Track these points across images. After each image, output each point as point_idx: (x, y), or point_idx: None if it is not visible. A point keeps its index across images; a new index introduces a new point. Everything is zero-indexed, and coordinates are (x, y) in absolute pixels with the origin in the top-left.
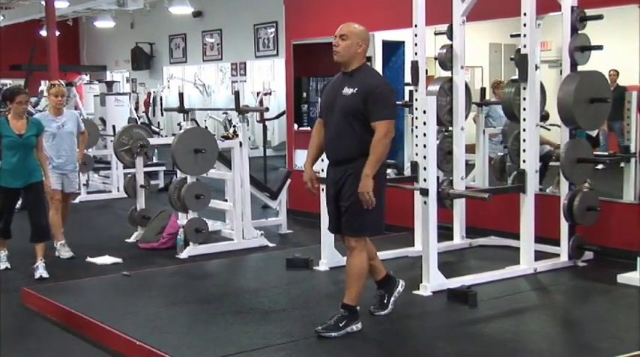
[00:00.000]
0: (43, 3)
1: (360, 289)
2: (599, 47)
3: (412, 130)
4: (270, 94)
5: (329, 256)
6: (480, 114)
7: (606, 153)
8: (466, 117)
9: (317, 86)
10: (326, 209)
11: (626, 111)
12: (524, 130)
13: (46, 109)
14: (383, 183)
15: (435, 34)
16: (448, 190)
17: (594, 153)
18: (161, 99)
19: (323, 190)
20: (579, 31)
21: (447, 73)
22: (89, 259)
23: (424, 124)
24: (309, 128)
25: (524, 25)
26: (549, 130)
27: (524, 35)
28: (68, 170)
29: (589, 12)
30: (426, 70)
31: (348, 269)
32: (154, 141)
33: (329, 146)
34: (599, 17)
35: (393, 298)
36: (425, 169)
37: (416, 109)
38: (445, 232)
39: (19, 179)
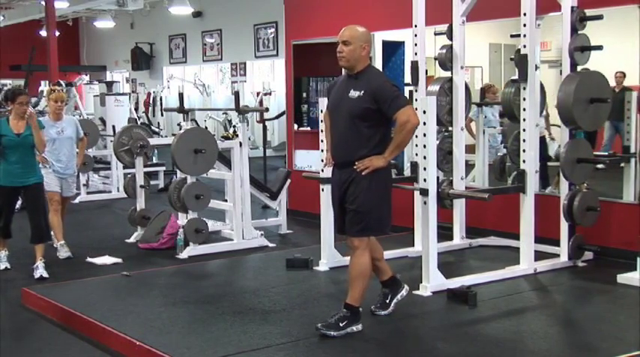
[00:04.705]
0: (43, 3)
1: (363, 289)
2: (599, 47)
3: None
4: (270, 94)
5: (329, 256)
6: (480, 114)
7: (606, 153)
8: (466, 117)
9: (317, 86)
10: (332, 211)
11: (626, 111)
12: (524, 130)
13: (45, 109)
14: (388, 183)
15: (435, 34)
16: (448, 190)
17: (594, 153)
18: (161, 99)
19: (323, 190)
20: (579, 31)
21: (447, 73)
22: (89, 259)
23: (424, 124)
24: (309, 128)
25: (524, 25)
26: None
27: (524, 35)
28: (67, 175)
29: (589, 12)
30: (426, 70)
31: (350, 269)
32: (153, 141)
33: (335, 148)
34: (599, 17)
35: (395, 300)
36: (425, 169)
37: (416, 109)
38: (445, 232)
39: (18, 178)
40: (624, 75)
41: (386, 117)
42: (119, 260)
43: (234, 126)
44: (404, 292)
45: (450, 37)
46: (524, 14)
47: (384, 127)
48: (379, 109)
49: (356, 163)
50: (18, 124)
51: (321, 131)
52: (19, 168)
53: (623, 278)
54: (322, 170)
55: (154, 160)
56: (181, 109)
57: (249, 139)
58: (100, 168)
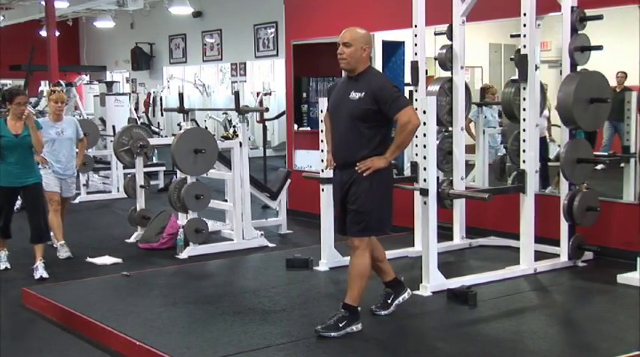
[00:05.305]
0: (43, 3)
1: (361, 289)
2: (599, 47)
3: None
4: (270, 94)
5: (329, 256)
6: (480, 114)
7: (606, 153)
8: (465, 117)
9: (317, 86)
10: (332, 211)
11: (625, 111)
12: (524, 130)
13: (45, 109)
14: (390, 184)
15: (435, 34)
16: (448, 190)
17: (594, 153)
18: (161, 99)
19: (323, 190)
20: (579, 31)
21: (447, 73)
22: (89, 259)
23: (424, 124)
24: (309, 128)
25: (524, 25)
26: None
27: (524, 35)
28: (67, 175)
29: (589, 12)
30: (426, 70)
31: (350, 269)
32: (153, 141)
33: (337, 149)
34: (599, 17)
35: (397, 302)
36: (425, 169)
37: (416, 109)
38: (445, 232)
39: (17, 179)
40: (625, 75)
41: (387, 118)
42: (119, 260)
43: (234, 126)
44: (406, 295)
45: (450, 37)
46: (524, 14)
47: (384, 128)
48: (380, 110)
49: (357, 164)
50: (16, 124)
51: (321, 131)
52: (17, 168)
53: (623, 278)
54: (322, 170)
55: (154, 160)
56: (181, 109)
57: (249, 139)
58: (100, 168)
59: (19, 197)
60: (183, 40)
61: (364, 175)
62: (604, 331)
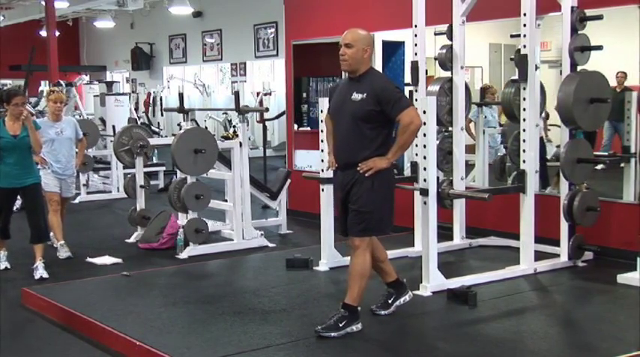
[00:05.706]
0: (43, 3)
1: (361, 289)
2: (599, 47)
3: None
4: (270, 94)
5: (329, 256)
6: (480, 114)
7: (606, 153)
8: (465, 117)
9: (317, 86)
10: (332, 211)
11: (626, 111)
12: (524, 130)
13: (45, 109)
14: (391, 184)
15: (435, 34)
16: (448, 190)
17: (594, 153)
18: (161, 99)
19: (323, 190)
20: (579, 31)
21: (447, 73)
22: (89, 259)
23: (424, 124)
24: (309, 128)
25: (524, 25)
26: (549, 130)
27: (524, 35)
28: (66, 175)
29: (589, 12)
30: (426, 70)
31: (350, 269)
32: (153, 141)
33: (338, 150)
34: (599, 17)
35: (397, 303)
36: (425, 169)
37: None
38: (445, 232)
39: (15, 180)
40: (625, 75)
41: (389, 118)
42: (119, 260)
43: (234, 126)
44: (407, 297)
45: (450, 37)
46: (524, 14)
47: (386, 129)
48: (382, 111)
49: (359, 164)
50: (14, 125)
51: (322, 131)
52: (16, 169)
53: (623, 278)
54: (322, 170)
55: (154, 160)
56: (181, 109)
57: (249, 139)
58: (100, 168)
59: (18, 197)
60: (183, 40)
61: (366, 175)
62: (604, 331)
